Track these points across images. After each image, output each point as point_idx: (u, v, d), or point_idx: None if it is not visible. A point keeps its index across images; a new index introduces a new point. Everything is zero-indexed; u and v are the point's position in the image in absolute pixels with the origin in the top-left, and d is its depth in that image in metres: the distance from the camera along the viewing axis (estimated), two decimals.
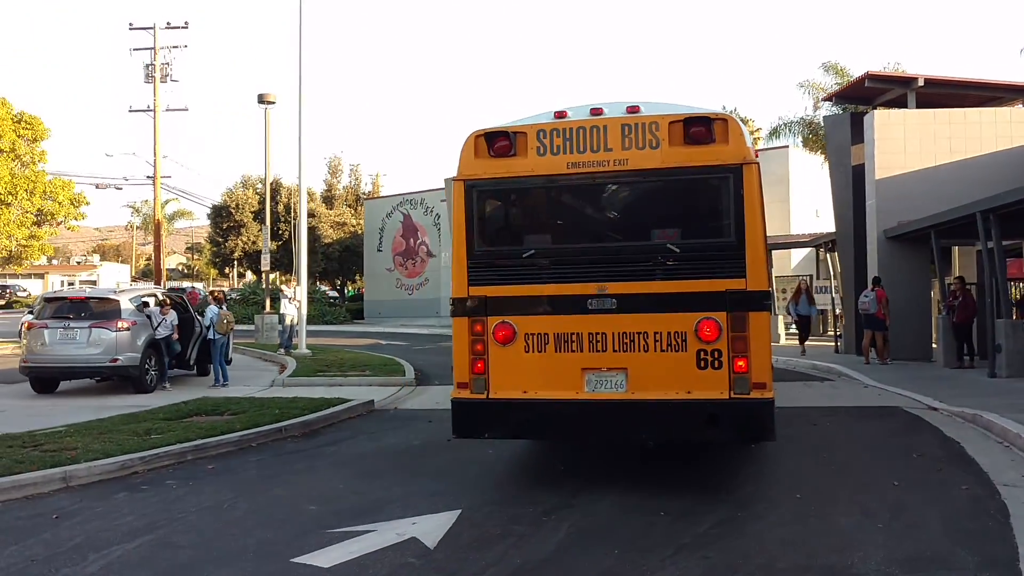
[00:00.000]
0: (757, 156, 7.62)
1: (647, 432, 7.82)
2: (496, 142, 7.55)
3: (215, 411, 11.85)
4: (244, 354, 23.35)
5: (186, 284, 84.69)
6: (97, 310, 14.88)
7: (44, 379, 15.05)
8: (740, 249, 7.17)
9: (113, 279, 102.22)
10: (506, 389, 7.51)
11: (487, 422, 7.78)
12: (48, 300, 16.01)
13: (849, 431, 10.56)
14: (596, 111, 7.51)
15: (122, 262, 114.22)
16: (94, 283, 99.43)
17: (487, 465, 8.73)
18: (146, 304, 15.54)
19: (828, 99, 24.69)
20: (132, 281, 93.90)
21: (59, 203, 26.29)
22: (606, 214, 8.02)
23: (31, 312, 17.72)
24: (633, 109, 7.48)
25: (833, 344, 22.24)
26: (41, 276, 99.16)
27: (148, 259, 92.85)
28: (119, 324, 14.60)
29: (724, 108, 63.62)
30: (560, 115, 7.59)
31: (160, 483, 8.11)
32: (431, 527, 6.40)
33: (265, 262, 27.28)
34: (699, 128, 7.25)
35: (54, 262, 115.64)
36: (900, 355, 18.25)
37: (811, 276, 28.99)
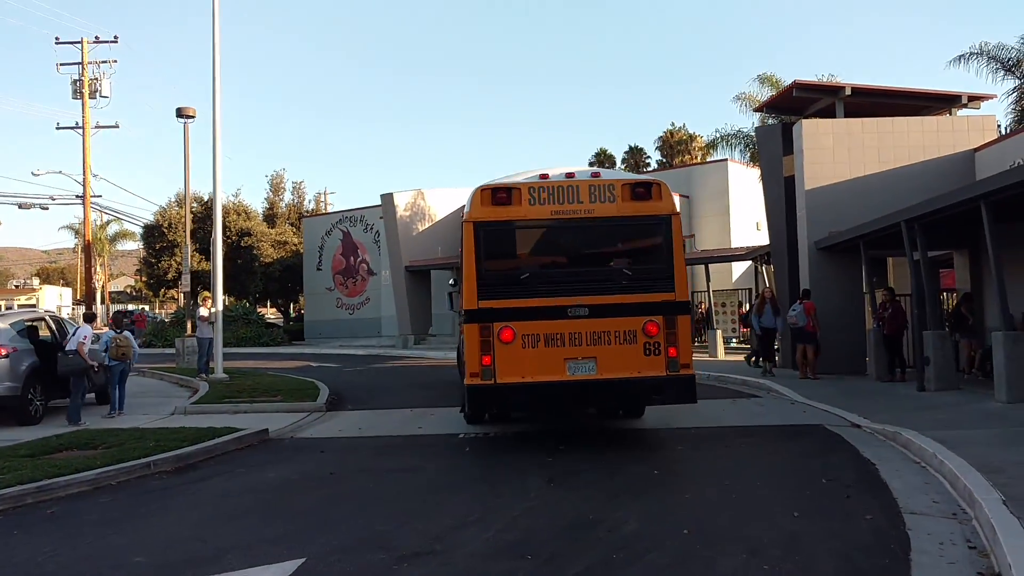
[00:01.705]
0: (679, 209, 10.83)
1: (612, 401, 11.37)
2: (498, 194, 10.28)
3: (88, 444, 10.88)
4: (162, 379, 22.29)
5: (131, 307, 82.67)
6: None
7: None
8: (670, 272, 10.30)
9: (54, 302, 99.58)
10: (508, 376, 9.98)
11: (494, 400, 10.36)
12: None
13: (763, 454, 9.93)
14: (570, 175, 10.43)
15: (65, 285, 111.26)
16: (33, 307, 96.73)
17: (360, 501, 7.93)
18: (34, 329, 14.49)
19: (759, 110, 24.39)
20: (74, 304, 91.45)
21: None
22: (579, 248, 10.57)
23: None
24: (596, 175, 10.53)
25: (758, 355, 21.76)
26: None
27: (100, 281, 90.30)
28: None
29: (673, 125, 63.94)
30: (544, 176, 10.41)
31: None
32: None
33: (185, 282, 26.18)
34: (642, 189, 10.44)
35: None
36: (834, 369, 17.81)
37: (750, 290, 28.64)
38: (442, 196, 36.59)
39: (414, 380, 20.32)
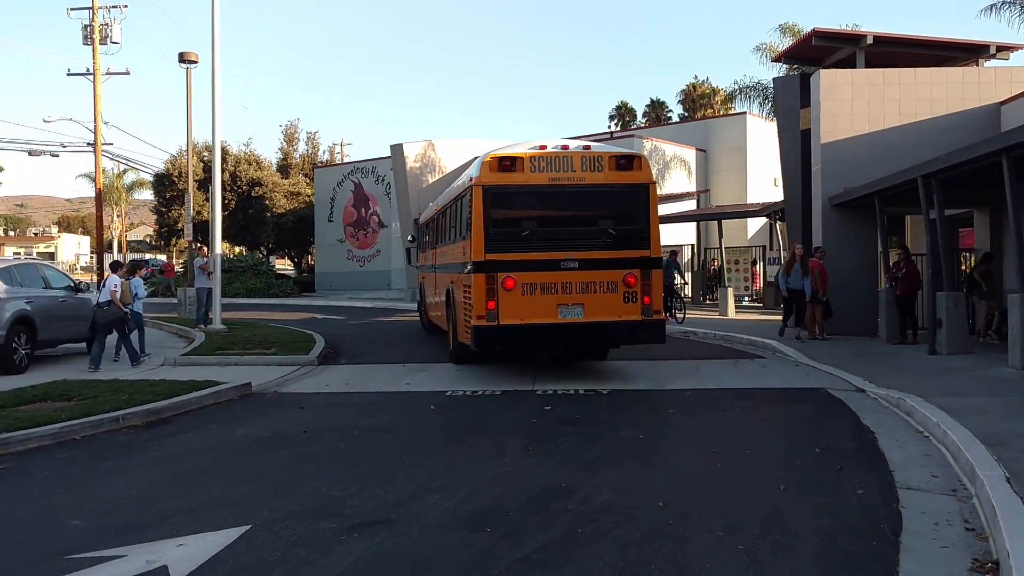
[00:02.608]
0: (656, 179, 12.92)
1: (596, 341, 12.98)
2: (503, 162, 11.78)
3: (63, 396, 10.56)
4: (161, 329, 22.06)
5: (148, 256, 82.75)
6: None
7: None
8: (647, 232, 12.00)
9: (72, 251, 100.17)
10: (509, 318, 11.55)
11: (497, 339, 11.78)
12: None
13: (758, 419, 9.43)
14: (564, 147, 11.99)
15: (85, 234, 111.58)
16: (52, 255, 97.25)
17: (325, 462, 7.53)
18: (8, 273, 14.18)
19: (778, 60, 23.44)
20: (91, 253, 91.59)
21: None
22: (571, 209, 12.12)
23: None
24: (587, 148, 12.14)
25: (782, 318, 21.16)
26: None
27: (117, 230, 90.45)
28: None
29: (696, 78, 62.67)
30: (543, 148, 11.94)
31: None
32: (196, 551, 5.21)
33: (188, 231, 25.81)
34: (624, 161, 12.07)
35: (11, 233, 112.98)
36: (845, 330, 17.22)
37: (764, 247, 27.97)
38: (453, 147, 35.78)
39: (414, 335, 19.92)
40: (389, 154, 37.18)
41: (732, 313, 23.60)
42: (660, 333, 12.06)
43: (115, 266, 15.42)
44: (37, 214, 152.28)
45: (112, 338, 14.86)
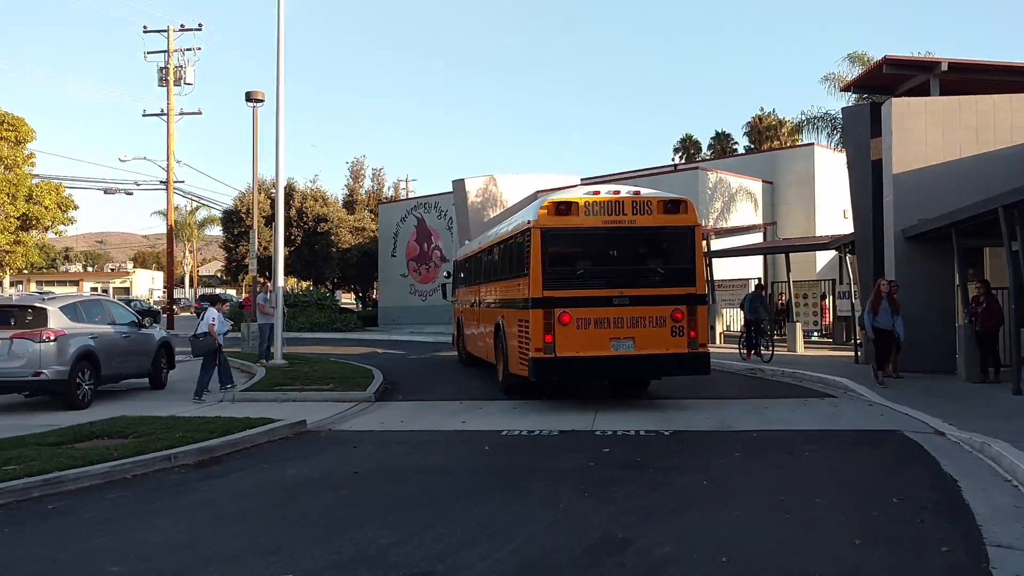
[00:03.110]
0: (701, 222, 13.16)
1: (645, 372, 13.52)
2: (560, 206, 12.60)
3: (121, 433, 10.55)
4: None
5: (219, 291, 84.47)
6: (22, 319, 13.60)
7: None
8: (693, 271, 12.73)
9: (146, 286, 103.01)
10: (565, 351, 12.25)
11: (554, 370, 12.45)
12: None
13: (829, 464, 8.91)
14: (616, 192, 12.88)
15: (159, 269, 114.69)
16: (127, 290, 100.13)
17: (373, 506, 7.29)
18: (74, 309, 14.38)
19: (847, 89, 22.87)
20: (164, 287, 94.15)
21: (45, 207, 25.37)
22: (623, 250, 12.84)
23: None
24: (636, 192, 12.92)
25: (853, 354, 20.41)
26: (76, 283, 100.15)
27: (189, 265, 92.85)
28: (45, 335, 13.36)
29: (762, 110, 61.82)
30: (596, 193, 12.84)
31: None
32: None
33: (253, 266, 26.14)
34: (672, 205, 12.81)
35: (89, 268, 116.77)
36: (920, 367, 16.46)
37: (834, 281, 27.14)
38: (514, 182, 35.95)
39: (473, 370, 19.70)
40: (451, 189, 37.48)
41: (801, 349, 22.88)
42: (705, 365, 12.71)
43: (214, 299, 16.02)
44: (115, 250, 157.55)
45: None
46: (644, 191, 13.16)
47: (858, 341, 20.22)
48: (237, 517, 7.10)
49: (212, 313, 15.18)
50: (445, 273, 23.80)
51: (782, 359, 19.97)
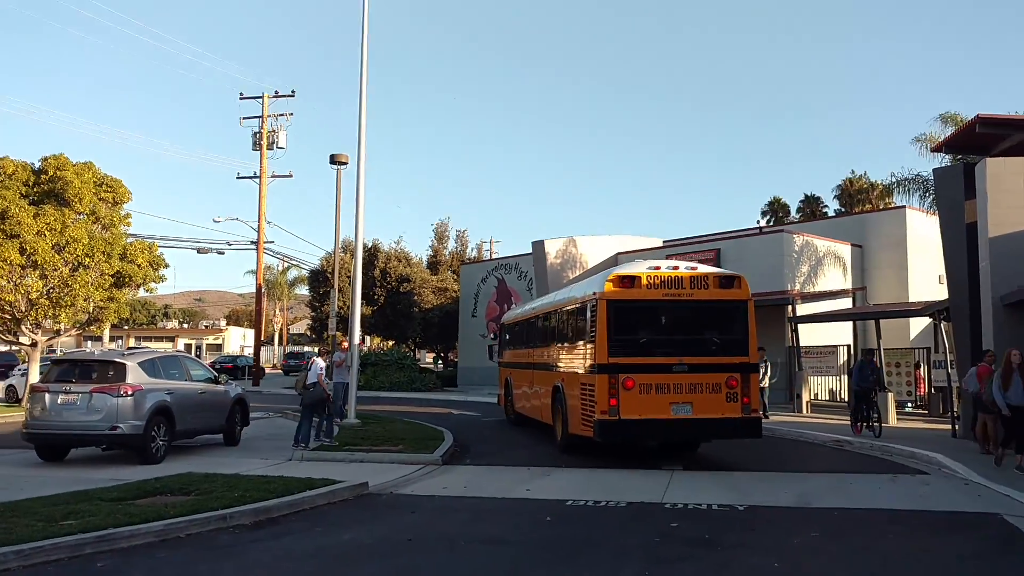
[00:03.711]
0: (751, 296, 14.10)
1: (702, 435, 14.36)
2: (624, 280, 13.58)
3: (182, 490, 10.53)
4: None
5: (306, 349, 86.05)
6: (101, 374, 13.92)
7: (49, 446, 14.20)
8: (746, 341, 13.61)
9: (238, 343, 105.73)
10: (628, 414, 12.99)
11: (618, 431, 13.19)
12: (56, 362, 15.23)
13: (918, 550, 8.20)
14: (675, 268, 13.85)
15: (251, 326, 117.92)
16: (219, 346, 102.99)
17: None
18: (152, 365, 14.65)
19: (938, 149, 21.94)
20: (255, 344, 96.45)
21: (138, 266, 26.23)
22: (681, 321, 13.73)
23: None
24: (693, 268, 14.11)
25: (950, 427, 19.23)
26: (172, 338, 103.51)
27: (279, 323, 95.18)
28: (122, 389, 13.62)
29: (853, 173, 60.38)
30: (656, 268, 13.79)
31: None
32: None
33: (332, 325, 26.44)
34: (726, 280, 13.88)
35: (185, 325, 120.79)
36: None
37: (928, 349, 25.84)
38: (594, 244, 35.75)
39: (546, 435, 19.27)
40: (531, 250, 37.49)
41: (893, 420, 21.69)
42: (757, 429, 13.49)
43: (322, 352, 16.69)
44: (212, 308, 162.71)
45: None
46: (701, 267, 14.44)
47: (956, 414, 19.08)
48: None
49: (319, 364, 15.83)
50: (492, 335, 24.61)
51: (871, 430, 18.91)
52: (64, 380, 13.88)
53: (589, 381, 13.57)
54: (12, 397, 29.26)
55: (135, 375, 14.01)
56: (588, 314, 13.99)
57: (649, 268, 13.80)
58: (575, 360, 14.80)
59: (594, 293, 13.83)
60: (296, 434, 15.67)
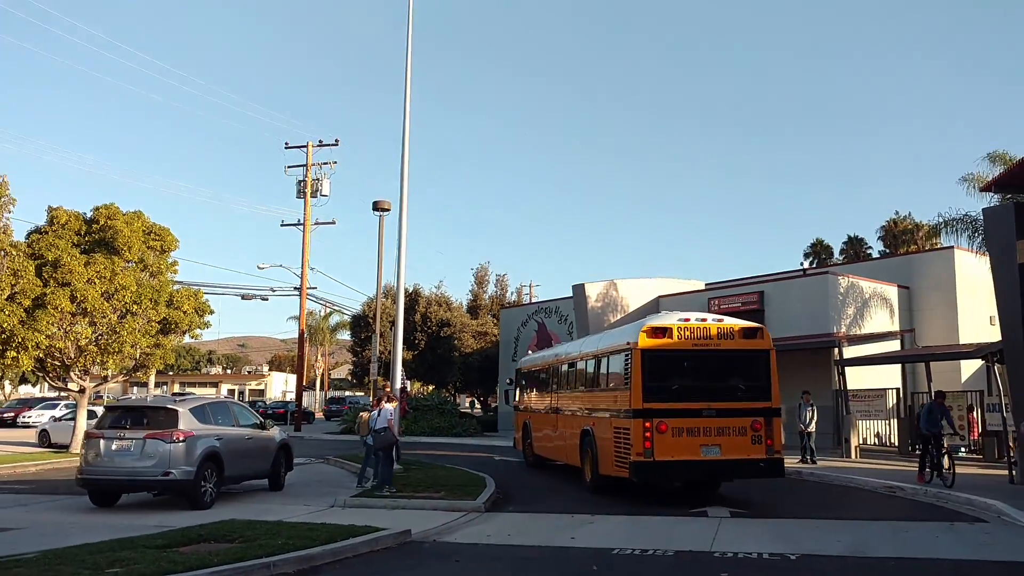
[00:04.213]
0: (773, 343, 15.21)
1: (729, 475, 15.05)
2: (656, 331, 14.58)
3: (226, 537, 10.52)
4: (342, 468, 22.40)
5: (348, 393, 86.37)
6: (154, 420, 14.14)
7: (102, 492, 14.40)
8: (768, 387, 14.66)
9: (280, 388, 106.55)
10: (662, 455, 13.90)
11: (652, 472, 14.12)
12: (109, 409, 15.55)
13: None
14: (703, 319, 14.93)
15: (293, 372, 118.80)
16: (262, 392, 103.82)
17: None
18: (203, 411, 14.81)
19: (987, 189, 21.59)
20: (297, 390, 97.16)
21: (184, 312, 26.64)
22: (710, 368, 14.71)
23: None
24: (719, 320, 15.16)
25: (1007, 472, 18.63)
26: (215, 384, 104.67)
27: (321, 369, 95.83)
28: (175, 435, 13.79)
29: (897, 214, 59.60)
30: (686, 320, 14.83)
31: None
32: None
33: (374, 370, 26.55)
34: (750, 331, 14.98)
35: (228, 371, 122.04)
36: None
37: (982, 392, 25.17)
38: (634, 287, 35.56)
39: (572, 476, 19.00)
40: (571, 294, 37.40)
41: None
42: (780, 469, 14.54)
43: (391, 397, 17.11)
44: (255, 353, 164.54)
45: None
46: (727, 320, 15.40)
47: (1013, 459, 18.48)
48: None
49: (389, 409, 16.17)
50: (508, 380, 25.54)
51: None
52: (118, 426, 14.16)
53: (624, 425, 14.50)
54: (45, 442, 29.86)
55: (187, 421, 14.20)
56: (622, 362, 14.97)
57: (679, 320, 14.84)
58: (607, 405, 15.67)
59: (627, 343, 14.85)
60: (369, 477, 16.65)
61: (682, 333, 14.57)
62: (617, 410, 14.97)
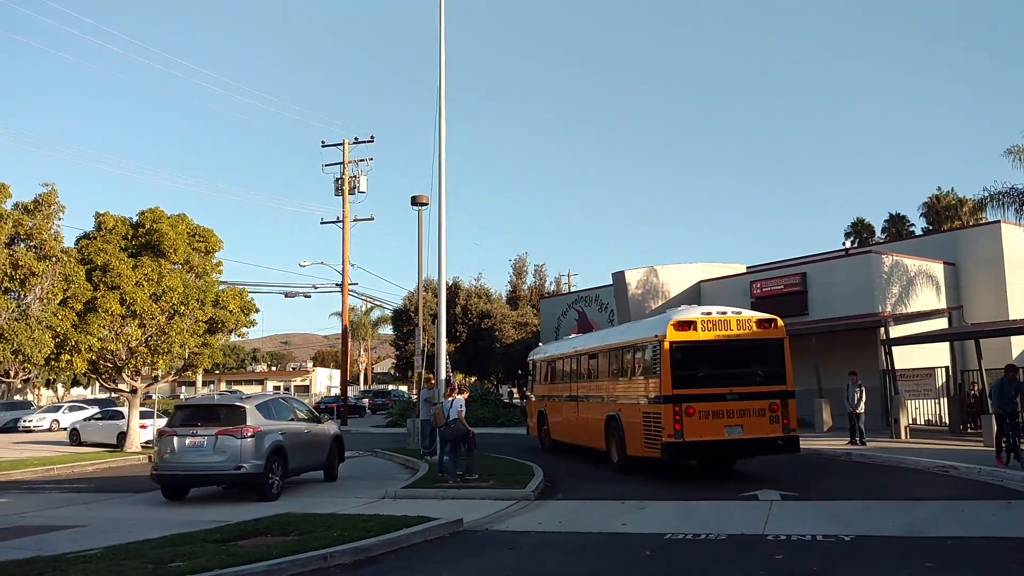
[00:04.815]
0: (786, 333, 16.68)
1: (750, 453, 16.33)
2: (682, 324, 15.86)
3: (282, 530, 10.73)
4: (390, 460, 22.68)
5: (391, 387, 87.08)
6: (224, 417, 14.70)
7: (176, 486, 15.01)
8: (783, 372, 16.13)
9: (324, 383, 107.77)
10: (691, 436, 15.17)
11: (682, 452, 15.58)
12: (180, 408, 16.35)
13: None
14: (723, 312, 16.35)
15: (336, 367, 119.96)
16: (307, 387, 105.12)
17: None
18: (267, 407, 15.41)
19: None
20: (342, 384, 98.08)
21: (230, 311, 27.07)
22: (731, 356, 16.04)
23: None
24: (738, 312, 16.55)
25: None
26: (261, 381, 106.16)
27: (363, 363, 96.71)
28: (244, 431, 14.30)
29: (939, 190, 58.63)
30: (708, 314, 16.20)
31: None
32: None
33: (417, 363, 26.73)
34: (766, 322, 16.45)
35: (273, 368, 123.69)
36: None
37: None
38: (675, 272, 35.37)
39: (635, 468, 19.02)
40: (611, 282, 37.30)
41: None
42: (796, 446, 15.96)
43: (461, 388, 17.41)
44: (298, 350, 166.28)
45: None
46: (745, 312, 16.95)
47: None
48: None
49: (460, 401, 16.36)
50: (519, 371, 26.28)
51: (978, 455, 18.10)
52: (189, 424, 14.71)
53: (654, 410, 15.74)
54: (75, 440, 31.07)
55: (254, 417, 14.74)
56: (650, 353, 16.23)
57: (702, 314, 16.25)
58: (635, 391, 16.83)
59: (656, 336, 16.09)
60: (442, 470, 16.53)
61: (705, 326, 15.89)
62: (647, 396, 16.11)
